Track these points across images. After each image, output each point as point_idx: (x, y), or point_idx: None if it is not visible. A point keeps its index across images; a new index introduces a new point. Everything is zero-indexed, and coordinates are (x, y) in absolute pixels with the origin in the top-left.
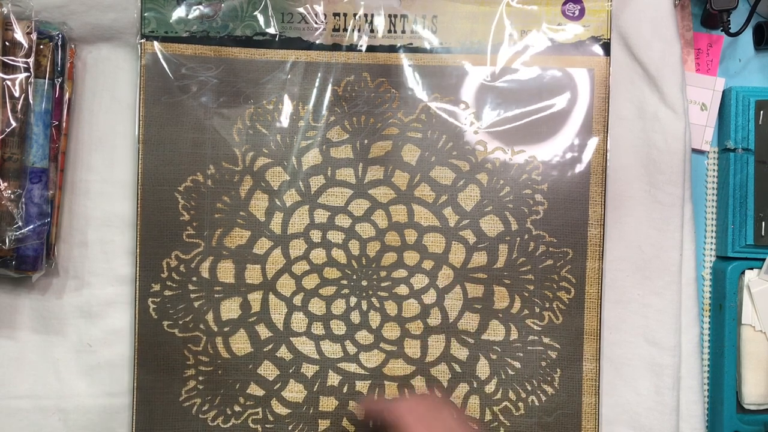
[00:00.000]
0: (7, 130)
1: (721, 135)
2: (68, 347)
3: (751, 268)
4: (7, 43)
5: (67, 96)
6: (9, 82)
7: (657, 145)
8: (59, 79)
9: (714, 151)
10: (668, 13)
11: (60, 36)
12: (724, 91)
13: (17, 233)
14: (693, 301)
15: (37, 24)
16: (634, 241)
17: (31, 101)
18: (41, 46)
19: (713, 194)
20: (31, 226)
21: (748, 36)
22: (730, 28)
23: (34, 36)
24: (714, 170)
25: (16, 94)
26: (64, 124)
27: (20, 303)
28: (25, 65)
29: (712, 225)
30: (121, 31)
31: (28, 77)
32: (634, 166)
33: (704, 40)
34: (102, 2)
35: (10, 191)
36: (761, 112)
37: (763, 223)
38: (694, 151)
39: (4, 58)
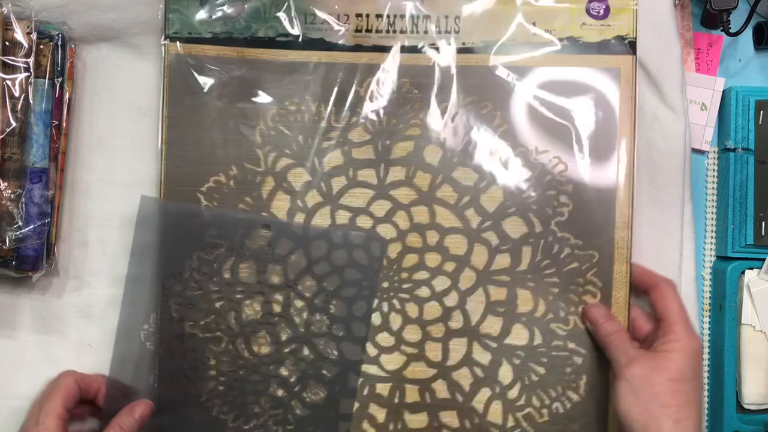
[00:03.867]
0: (7, 130)
1: (721, 135)
2: (68, 347)
3: (751, 268)
4: (7, 43)
5: (67, 96)
6: (9, 82)
7: (657, 145)
8: (59, 79)
9: (714, 151)
10: (668, 13)
11: (60, 36)
12: (724, 91)
13: (17, 233)
14: (693, 301)
15: (37, 24)
16: (634, 240)
17: (31, 101)
18: (41, 46)
19: (713, 194)
20: (31, 226)
21: (748, 36)
22: (730, 28)
23: (34, 36)
24: (714, 170)
25: (16, 94)
26: (64, 124)
27: (20, 303)
28: (25, 65)
29: (712, 225)
30: (122, 31)
31: (28, 77)
32: (635, 166)
33: (704, 40)
34: (102, 2)
35: (10, 191)
36: (761, 112)
37: (763, 223)
38: (694, 151)
39: (4, 58)
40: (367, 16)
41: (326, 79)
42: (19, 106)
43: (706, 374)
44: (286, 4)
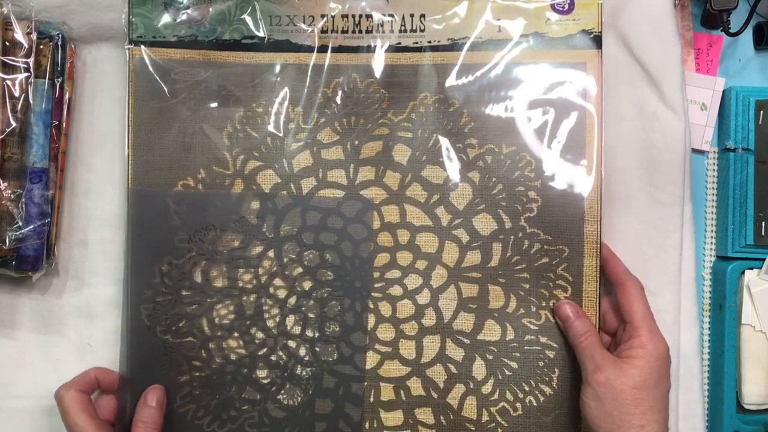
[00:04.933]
0: (7, 130)
1: (721, 135)
2: (68, 347)
3: (751, 268)
4: (7, 43)
5: (67, 96)
6: (9, 82)
7: (657, 145)
8: (59, 79)
9: (714, 151)
10: (668, 13)
11: (60, 36)
12: (724, 91)
13: (17, 233)
14: (693, 301)
15: (37, 24)
16: (633, 241)
17: (31, 101)
18: (41, 46)
19: (713, 194)
20: (32, 226)
21: (748, 36)
22: (730, 28)
23: (34, 36)
24: (714, 170)
25: (16, 94)
26: (64, 124)
27: (20, 303)
28: (25, 65)
29: (712, 225)
30: (121, 31)
31: (28, 77)
32: (634, 166)
33: (704, 40)
34: (102, 2)
35: (10, 191)
36: (761, 112)
37: (763, 223)
38: (694, 151)
39: (4, 58)
40: (333, 17)
41: (293, 80)
42: (19, 106)
43: (706, 374)
44: (251, 6)
